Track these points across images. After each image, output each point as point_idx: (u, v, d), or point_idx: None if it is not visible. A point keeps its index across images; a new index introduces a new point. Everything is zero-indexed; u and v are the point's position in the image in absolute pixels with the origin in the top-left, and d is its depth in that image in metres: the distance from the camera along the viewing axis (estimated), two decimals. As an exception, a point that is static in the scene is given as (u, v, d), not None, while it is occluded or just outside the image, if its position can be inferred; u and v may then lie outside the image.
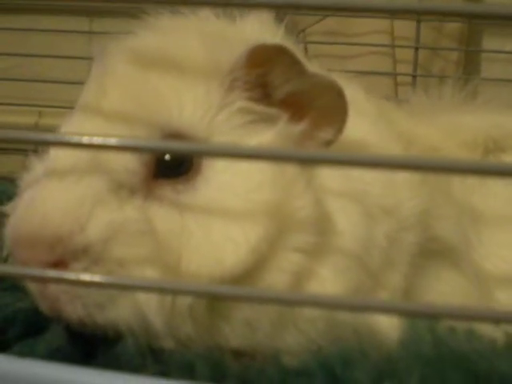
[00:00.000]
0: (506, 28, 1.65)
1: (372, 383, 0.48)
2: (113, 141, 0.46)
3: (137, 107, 0.60)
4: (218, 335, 0.58)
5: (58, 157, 0.58)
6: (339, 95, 0.62)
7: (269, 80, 0.63)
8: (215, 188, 0.58)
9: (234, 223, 0.57)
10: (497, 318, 0.45)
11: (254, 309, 0.57)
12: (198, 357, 0.53)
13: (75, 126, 0.61)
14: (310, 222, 0.60)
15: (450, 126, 0.92)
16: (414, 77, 1.60)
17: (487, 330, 0.53)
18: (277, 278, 0.58)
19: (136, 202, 0.57)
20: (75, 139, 0.47)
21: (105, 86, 0.62)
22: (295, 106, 0.63)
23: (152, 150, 0.54)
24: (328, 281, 0.60)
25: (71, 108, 0.65)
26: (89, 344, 0.56)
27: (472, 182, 0.84)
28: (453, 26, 1.63)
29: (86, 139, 0.46)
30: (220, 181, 0.58)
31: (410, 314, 0.52)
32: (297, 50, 0.63)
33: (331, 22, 1.62)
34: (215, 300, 0.56)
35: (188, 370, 0.52)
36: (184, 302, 0.55)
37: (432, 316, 0.49)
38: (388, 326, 0.61)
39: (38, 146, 0.64)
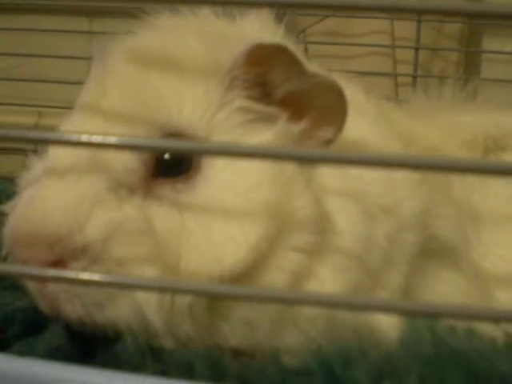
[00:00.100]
0: (506, 29, 1.65)
1: (372, 382, 0.48)
2: (112, 139, 0.46)
3: (136, 106, 0.60)
4: (217, 334, 0.58)
5: (57, 156, 0.58)
6: (339, 95, 0.62)
7: (268, 79, 0.63)
8: (215, 187, 0.58)
9: (234, 222, 0.57)
10: (496, 318, 0.45)
11: (254, 308, 0.57)
12: (197, 356, 0.53)
13: (75, 126, 0.61)
14: (310, 221, 0.60)
15: (450, 125, 0.92)
16: (415, 77, 1.59)
17: (487, 329, 0.53)
18: (276, 278, 0.58)
19: (135, 201, 0.57)
20: (74, 137, 0.47)
21: (104, 85, 0.62)
22: (295, 106, 0.63)
23: (151, 148, 0.54)
24: (327, 280, 0.60)
25: (71, 108, 0.65)
26: (88, 343, 0.56)
27: (472, 181, 0.84)
28: (453, 27, 1.63)
29: (85, 137, 0.46)
30: (219, 180, 0.58)
31: (409, 313, 0.52)
32: (296, 50, 0.63)
33: (331, 23, 1.62)
34: (215, 299, 0.56)
35: (187, 370, 0.52)
36: (183, 301, 0.55)
37: (432, 315, 0.49)
38: (388, 326, 0.61)
39: (38, 146, 0.64)
